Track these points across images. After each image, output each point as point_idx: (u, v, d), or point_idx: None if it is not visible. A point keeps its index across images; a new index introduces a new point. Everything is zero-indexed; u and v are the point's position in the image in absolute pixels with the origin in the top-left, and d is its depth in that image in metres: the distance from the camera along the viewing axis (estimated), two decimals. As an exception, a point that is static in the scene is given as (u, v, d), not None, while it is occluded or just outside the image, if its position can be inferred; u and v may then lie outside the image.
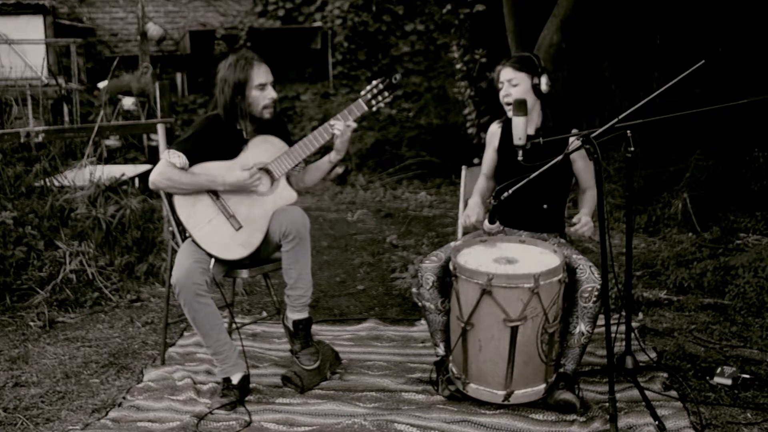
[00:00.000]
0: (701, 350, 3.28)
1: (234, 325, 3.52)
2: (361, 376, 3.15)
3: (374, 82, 3.15)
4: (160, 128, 4.94)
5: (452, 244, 3.01)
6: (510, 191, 2.66)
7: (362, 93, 3.14)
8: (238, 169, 2.98)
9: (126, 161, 7.82)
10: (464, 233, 3.27)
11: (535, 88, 2.98)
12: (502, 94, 3.03)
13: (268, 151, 3.05)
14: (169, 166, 2.91)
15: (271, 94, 3.01)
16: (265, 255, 3.11)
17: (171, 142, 3.06)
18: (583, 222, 2.88)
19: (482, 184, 3.22)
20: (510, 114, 2.94)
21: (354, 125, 3.07)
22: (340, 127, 3.05)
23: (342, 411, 2.80)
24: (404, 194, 7.58)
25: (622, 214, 5.51)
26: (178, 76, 10.48)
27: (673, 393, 2.84)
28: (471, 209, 3.02)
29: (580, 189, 3.14)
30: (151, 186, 2.93)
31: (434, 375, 3.01)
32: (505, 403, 2.72)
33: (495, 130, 3.19)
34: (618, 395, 2.73)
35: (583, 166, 3.06)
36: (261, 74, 2.98)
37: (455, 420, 2.69)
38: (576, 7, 5.25)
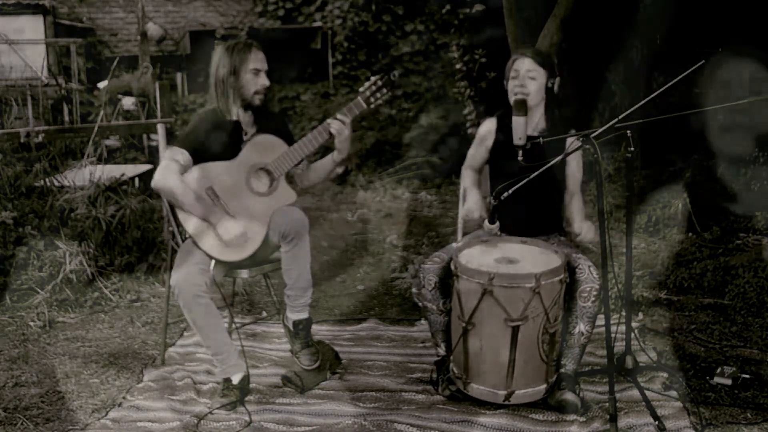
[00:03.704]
0: (701, 350, 3.28)
1: (234, 325, 3.52)
2: (361, 376, 3.15)
3: (372, 79, 3.11)
4: (160, 128, 4.94)
5: (453, 244, 3.00)
6: (510, 191, 2.66)
7: (361, 90, 3.12)
8: (240, 181, 2.97)
9: (126, 161, 7.81)
10: (464, 233, 3.26)
11: (548, 88, 2.96)
12: (514, 83, 2.94)
13: (268, 150, 3.05)
14: (173, 171, 2.89)
15: (263, 81, 3.02)
16: (265, 255, 3.10)
17: (171, 142, 3.05)
18: (585, 229, 2.87)
19: (473, 176, 3.12)
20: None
21: (347, 120, 3.04)
22: (336, 125, 3.05)
23: (342, 411, 2.80)
24: (404, 194, 7.57)
25: (622, 214, 5.51)
26: (178, 76, 10.47)
27: (673, 393, 2.84)
28: (475, 203, 2.92)
29: (568, 193, 3.08)
30: (153, 186, 2.93)
31: (435, 375, 3.00)
32: (506, 403, 2.71)
33: (490, 127, 3.10)
34: (618, 395, 2.73)
35: (576, 168, 3.04)
36: (257, 60, 3.01)
37: (455, 420, 2.69)
38: (576, 7, 5.24)
